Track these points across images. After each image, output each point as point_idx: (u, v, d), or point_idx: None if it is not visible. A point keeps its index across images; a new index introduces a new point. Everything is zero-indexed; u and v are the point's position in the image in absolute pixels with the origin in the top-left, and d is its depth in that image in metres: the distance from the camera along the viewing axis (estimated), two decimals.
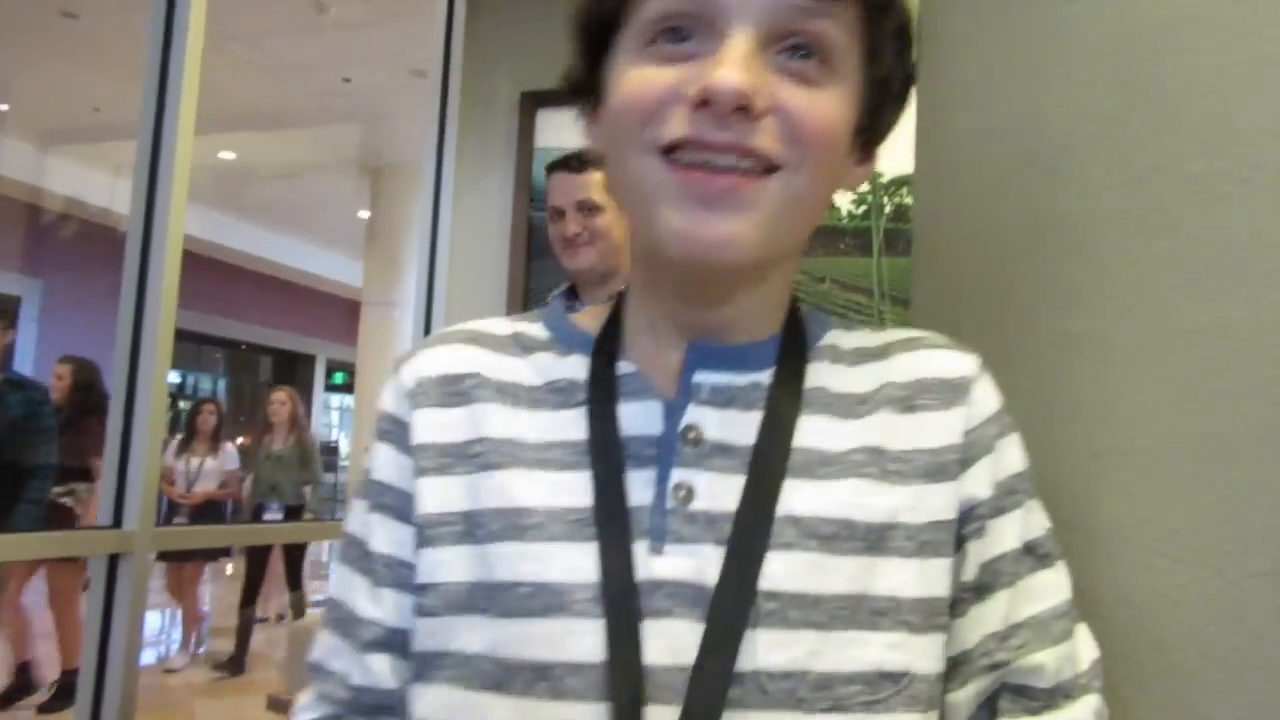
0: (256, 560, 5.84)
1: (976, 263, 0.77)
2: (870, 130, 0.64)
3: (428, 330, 3.30)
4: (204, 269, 12.27)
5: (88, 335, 10.72)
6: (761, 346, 0.67)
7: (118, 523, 2.10)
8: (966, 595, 0.62)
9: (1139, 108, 0.64)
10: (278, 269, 13.60)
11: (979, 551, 0.62)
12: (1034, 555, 0.62)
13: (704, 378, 0.64)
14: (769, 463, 0.61)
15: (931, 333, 0.68)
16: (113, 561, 2.11)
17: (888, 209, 2.96)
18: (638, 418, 0.64)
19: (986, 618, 0.61)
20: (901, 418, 0.63)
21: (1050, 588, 0.61)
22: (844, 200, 3.01)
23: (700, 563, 0.59)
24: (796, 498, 0.61)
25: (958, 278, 0.81)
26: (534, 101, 3.33)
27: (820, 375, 0.66)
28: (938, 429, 0.63)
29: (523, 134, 3.32)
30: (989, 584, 0.62)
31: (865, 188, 2.99)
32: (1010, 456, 0.63)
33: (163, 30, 2.35)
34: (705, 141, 0.57)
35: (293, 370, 15.83)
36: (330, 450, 17.05)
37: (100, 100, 8.19)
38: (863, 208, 2.98)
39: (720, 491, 0.61)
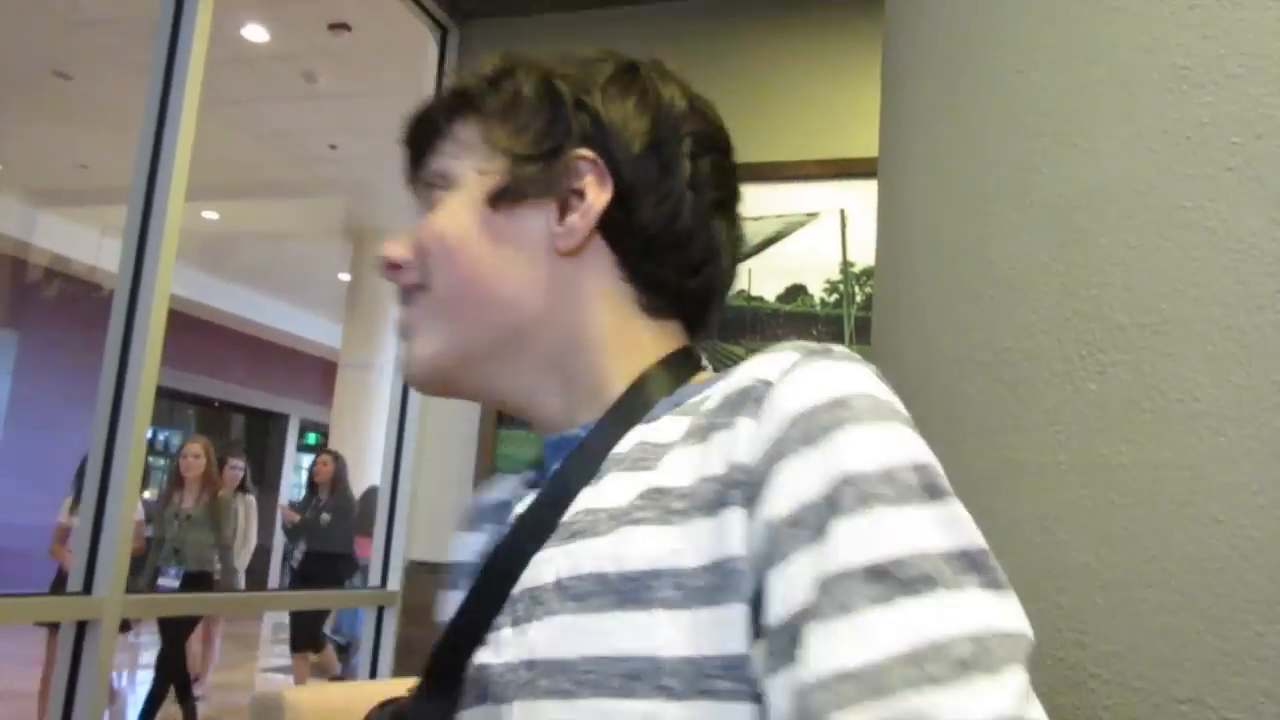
0: (169, 637, 5.11)
1: (929, 384, 0.83)
2: (523, 185, 0.66)
3: (405, 398, 3.33)
4: (180, 326, 12.24)
5: (62, 390, 10.63)
6: (589, 427, 0.65)
7: (88, 589, 2.10)
8: (779, 647, 0.49)
9: (1070, 259, 0.70)
10: (254, 327, 13.60)
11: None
12: (883, 581, 0.47)
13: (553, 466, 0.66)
14: (515, 536, 0.62)
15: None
16: (80, 629, 2.11)
17: (859, 298, 3.04)
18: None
19: (797, 672, 0.47)
20: (696, 448, 0.56)
21: (902, 626, 0.46)
22: (817, 288, 3.09)
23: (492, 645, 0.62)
24: (552, 565, 0.58)
25: (912, 397, 0.86)
26: None
27: (643, 434, 0.61)
28: (725, 449, 0.54)
29: None
30: (799, 625, 0.48)
31: (837, 276, 3.08)
32: (793, 477, 0.51)
33: (159, 95, 2.41)
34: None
35: (266, 428, 15.70)
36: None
37: (90, 159, 8.26)
38: (834, 296, 3.07)
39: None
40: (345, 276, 10.32)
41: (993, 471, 0.74)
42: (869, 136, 2.61)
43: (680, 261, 0.68)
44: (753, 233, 3.17)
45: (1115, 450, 0.67)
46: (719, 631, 0.51)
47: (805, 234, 3.14)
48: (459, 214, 0.67)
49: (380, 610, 3.13)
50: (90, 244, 9.62)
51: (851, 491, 0.49)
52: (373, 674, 3.13)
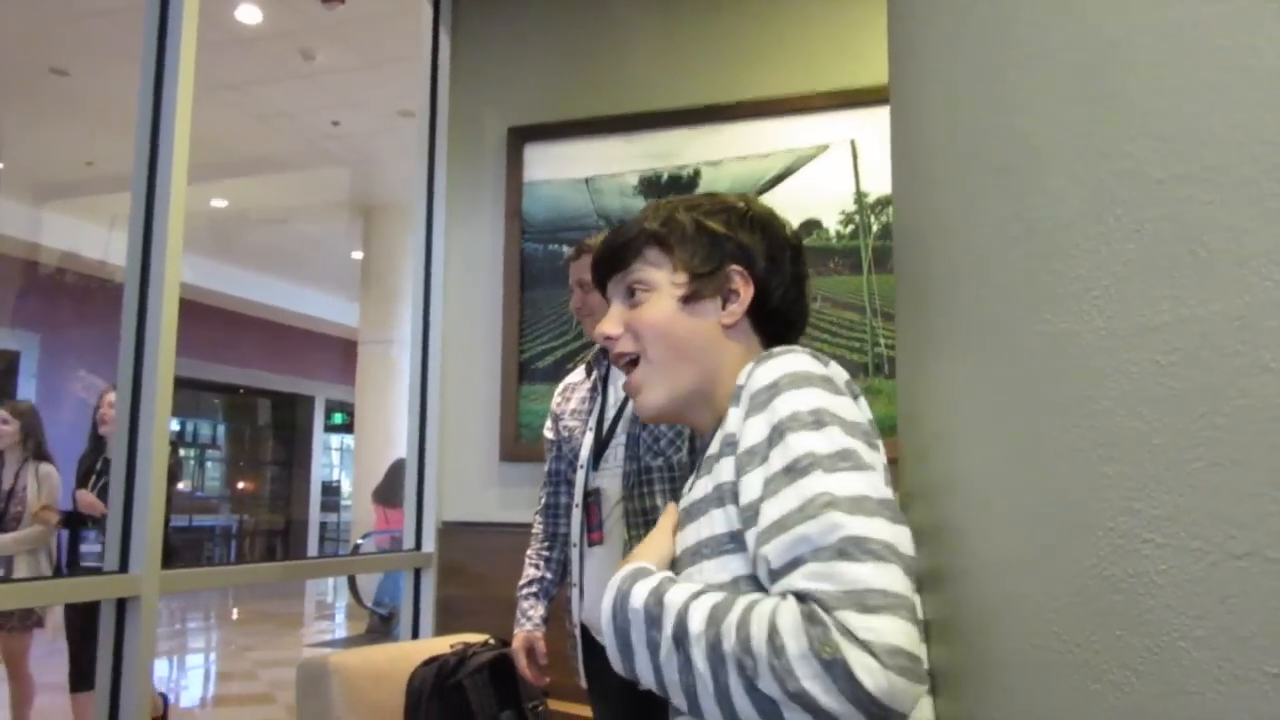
0: (74, 628, 4.44)
1: (955, 270, 0.80)
2: (702, 289, 1.11)
3: (425, 366, 3.32)
4: (200, 316, 12.31)
5: (86, 389, 10.72)
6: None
7: (124, 567, 2.11)
8: (747, 519, 0.92)
9: (1101, 116, 0.67)
10: (274, 312, 13.64)
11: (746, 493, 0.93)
12: (791, 472, 0.88)
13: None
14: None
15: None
16: (120, 606, 2.12)
17: (875, 227, 3.00)
18: None
19: (755, 529, 0.90)
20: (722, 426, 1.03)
21: (799, 491, 0.86)
22: (832, 221, 3.05)
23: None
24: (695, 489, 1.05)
25: (937, 285, 0.84)
26: (521, 136, 3.38)
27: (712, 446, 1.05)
28: (727, 426, 1.00)
29: (511, 168, 3.37)
30: (756, 506, 0.91)
31: (851, 208, 3.03)
32: (752, 431, 0.94)
33: (153, 83, 2.39)
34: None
35: (292, 411, 15.83)
36: (331, 490, 17.05)
37: (93, 155, 8.24)
38: (850, 227, 3.02)
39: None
40: (358, 254, 10.32)
41: (1030, 347, 0.71)
42: (876, 65, 2.56)
43: (792, 321, 1.18)
44: (762, 170, 3.13)
45: (1157, 310, 0.64)
46: (728, 518, 0.96)
47: (816, 167, 3.09)
48: (663, 308, 1.11)
49: (417, 573, 3.15)
50: (100, 240, 9.64)
51: (777, 433, 0.92)
52: (414, 635, 3.15)
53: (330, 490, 16.90)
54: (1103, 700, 0.61)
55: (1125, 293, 0.65)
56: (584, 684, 2.24)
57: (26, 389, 10.37)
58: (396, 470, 8.22)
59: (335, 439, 17.17)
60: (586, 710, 2.40)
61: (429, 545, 3.13)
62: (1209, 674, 0.58)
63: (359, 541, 8.30)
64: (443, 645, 2.62)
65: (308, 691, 2.43)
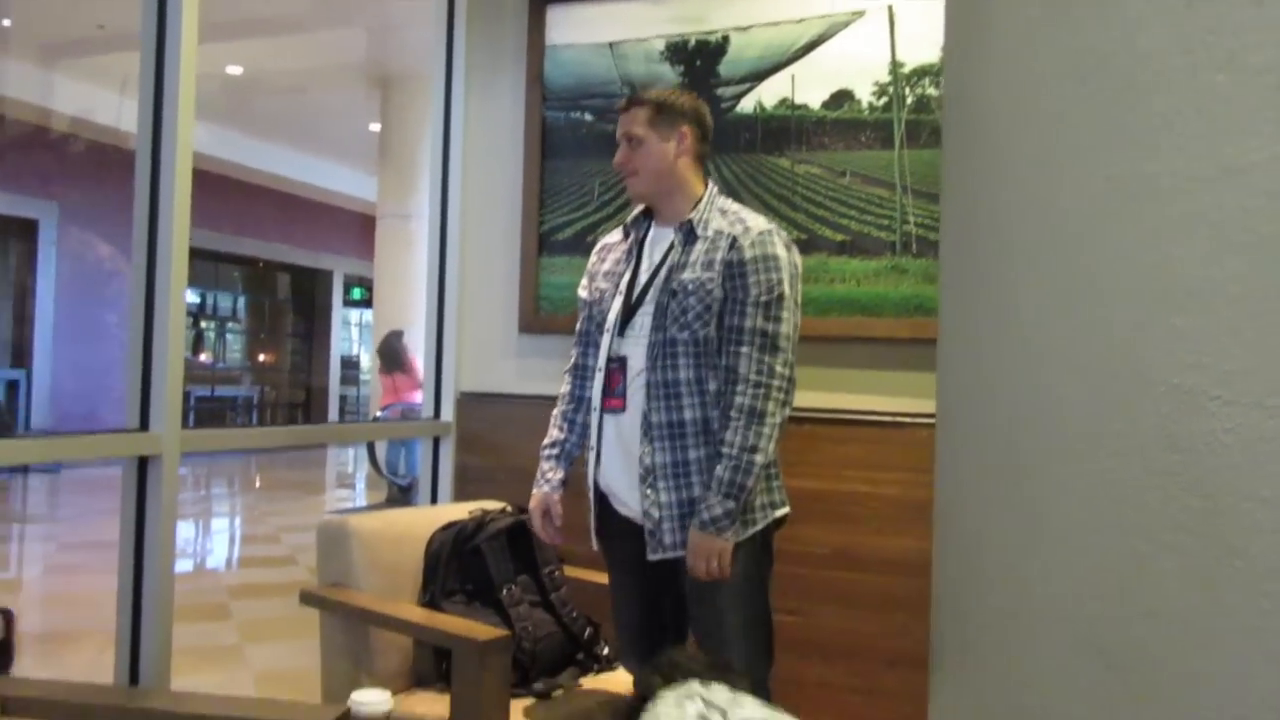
0: None
1: (1016, 109, 0.74)
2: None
3: (444, 236, 3.27)
4: (218, 188, 12.20)
5: (107, 255, 10.73)
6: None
7: (144, 425, 2.12)
8: None
9: None
10: (293, 185, 13.52)
11: None
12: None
13: None
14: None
15: None
16: (142, 466, 2.14)
17: (909, 100, 2.89)
18: None
19: None
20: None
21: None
22: (864, 92, 2.93)
23: None
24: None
25: (994, 127, 0.78)
26: None
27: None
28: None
29: (532, 32, 3.25)
30: None
31: (886, 79, 2.91)
32: None
33: None
34: None
35: (311, 286, 15.86)
36: (351, 364, 17.21)
37: (104, 18, 8.04)
38: (884, 99, 2.91)
39: None
40: (376, 127, 10.14)
41: (1095, 193, 0.65)
42: None
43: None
44: (794, 36, 3.00)
45: (1243, 149, 0.58)
46: None
47: (850, 35, 2.96)
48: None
49: (436, 441, 3.16)
50: (113, 104, 9.48)
51: None
52: (433, 502, 3.19)
53: (349, 364, 17.04)
54: (1154, 563, 0.59)
55: (1210, 131, 0.59)
56: (595, 546, 2.26)
57: (46, 258, 10.38)
58: (390, 340, 8.27)
59: (354, 314, 17.24)
60: (602, 577, 2.43)
61: (447, 415, 3.13)
62: (1274, 534, 0.55)
63: (377, 414, 8.40)
64: (461, 511, 2.65)
65: (328, 552, 2.47)
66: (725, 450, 2.00)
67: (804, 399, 2.74)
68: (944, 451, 0.83)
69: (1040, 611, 0.66)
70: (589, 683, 2.49)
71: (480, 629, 2.20)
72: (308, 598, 2.42)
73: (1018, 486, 0.72)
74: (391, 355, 8.19)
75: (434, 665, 2.45)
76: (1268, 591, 0.54)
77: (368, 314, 14.70)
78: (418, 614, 2.35)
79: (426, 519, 2.61)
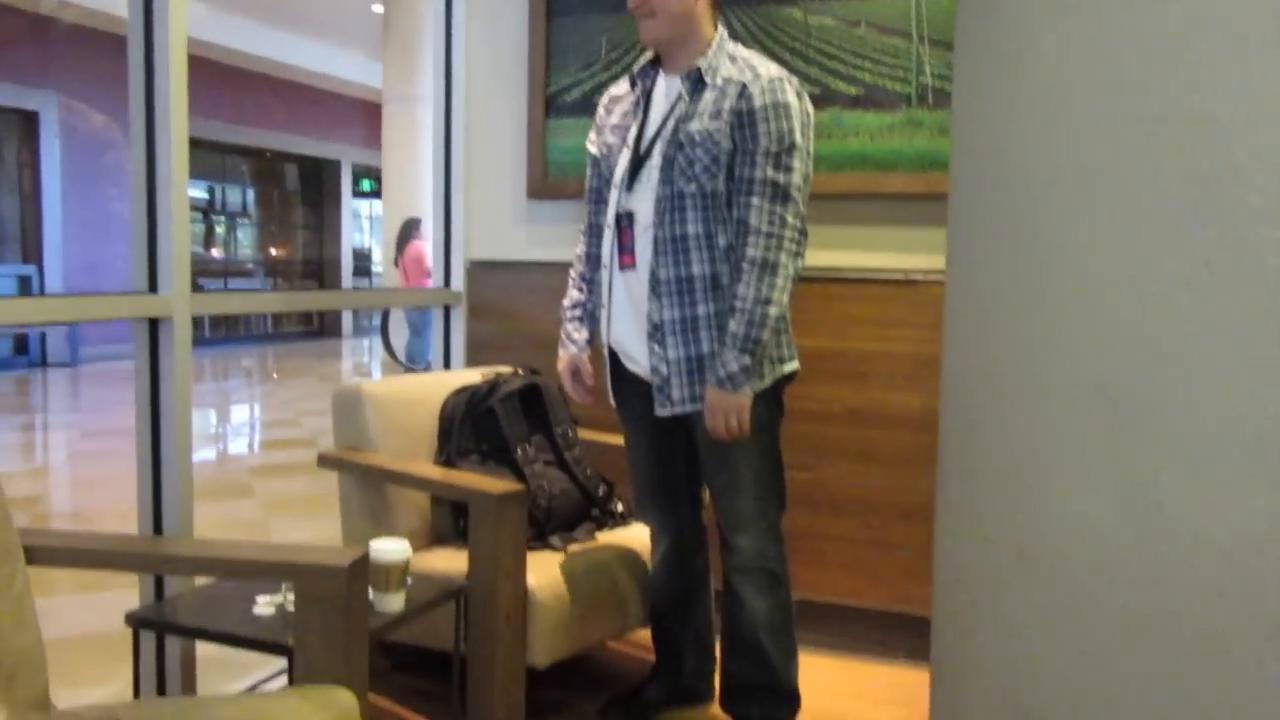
0: None
1: (1062, 41, 0.69)
2: None
3: (449, 107, 3.21)
4: (221, 76, 11.98)
5: (111, 146, 10.61)
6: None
7: (153, 287, 2.11)
8: None
9: None
10: (297, 73, 13.26)
11: None
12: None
13: None
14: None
15: None
16: (153, 329, 2.14)
17: None
18: None
19: None
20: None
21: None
22: None
23: None
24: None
25: (1036, 57, 0.72)
26: None
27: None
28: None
29: None
30: None
31: None
32: None
33: None
34: None
35: (319, 177, 15.70)
36: (362, 256, 17.17)
37: None
38: None
39: None
40: (378, 8, 9.87)
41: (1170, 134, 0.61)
42: None
43: None
44: None
45: None
46: None
47: None
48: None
49: (447, 310, 3.16)
50: None
51: None
52: (446, 369, 3.20)
53: (361, 257, 17.00)
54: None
55: None
56: (612, 402, 2.27)
57: (50, 150, 10.27)
58: (407, 228, 8.21)
59: (364, 206, 17.09)
60: (616, 438, 2.45)
61: (458, 284, 3.11)
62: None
63: None
64: (474, 376, 2.66)
65: (343, 417, 2.49)
66: (738, 304, 1.98)
67: (816, 258, 2.71)
68: (954, 304, 0.80)
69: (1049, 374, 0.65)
70: (605, 538, 2.53)
71: (496, 483, 2.23)
72: (325, 460, 2.45)
73: (1025, 340, 0.69)
74: (407, 243, 8.15)
75: (452, 523, 2.50)
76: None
77: (378, 206, 14.58)
78: (434, 471, 2.38)
79: (439, 383, 2.63)
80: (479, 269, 3.17)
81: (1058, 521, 0.62)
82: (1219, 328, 0.53)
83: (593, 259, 2.31)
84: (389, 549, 1.92)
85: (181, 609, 1.99)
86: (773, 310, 1.97)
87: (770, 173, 1.99)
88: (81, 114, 10.42)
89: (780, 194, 1.99)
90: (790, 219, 1.99)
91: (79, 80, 10.29)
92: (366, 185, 16.52)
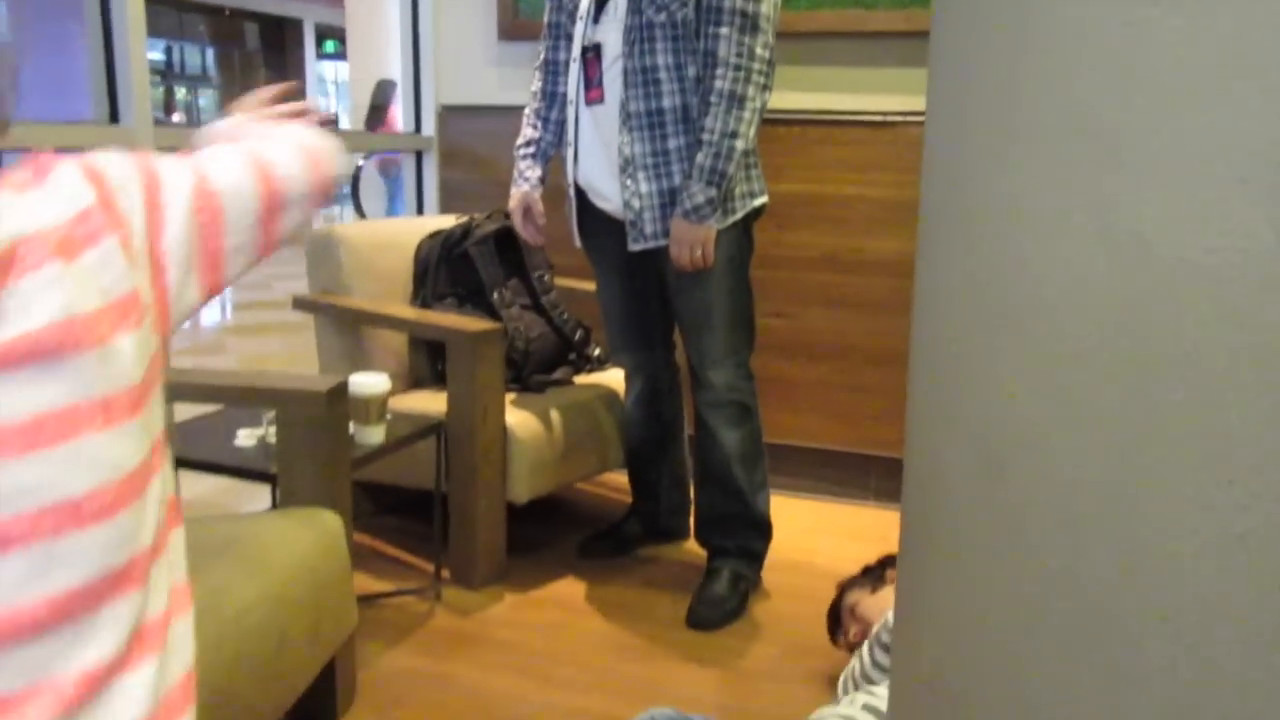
0: None
1: None
2: None
3: None
4: None
5: None
6: None
7: (114, 118, 2.05)
8: None
9: None
10: None
11: None
12: None
13: None
14: None
15: None
16: None
17: None
18: None
19: None
20: None
21: None
22: None
23: None
24: None
25: None
26: None
27: None
28: None
29: None
30: None
31: None
32: None
33: None
34: None
35: (281, 37, 15.17)
36: (328, 123, 16.72)
37: None
38: None
39: None
40: None
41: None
42: None
43: None
44: None
45: None
46: None
47: None
48: None
49: (419, 156, 3.10)
50: None
51: None
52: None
53: (327, 123, 16.56)
54: None
55: None
56: (577, 243, 2.26)
57: None
58: (383, 89, 7.97)
59: (330, 69, 16.56)
60: (591, 284, 2.45)
61: (429, 129, 3.05)
62: None
63: (359, 163, 8.23)
64: (447, 221, 2.63)
65: (317, 261, 2.47)
66: (706, 137, 1.96)
67: (791, 100, 2.67)
68: (932, 144, 0.77)
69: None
70: (582, 381, 2.56)
71: (473, 322, 2.23)
72: (300, 303, 2.44)
73: (1008, 82, 0.66)
74: (383, 106, 7.91)
75: (430, 367, 2.51)
76: None
77: (344, 70, 14.13)
78: (410, 312, 2.39)
79: (412, 228, 2.60)
80: (450, 114, 3.10)
81: (1043, 271, 0.62)
82: (1208, 51, 0.53)
83: (550, 96, 2.26)
84: (368, 381, 1.93)
85: None
86: (739, 143, 1.96)
87: (739, 2, 1.94)
88: None
89: (749, 24, 1.95)
90: (759, 50, 1.95)
91: None
92: (330, 46, 15.99)
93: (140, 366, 0.65)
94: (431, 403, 2.30)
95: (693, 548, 2.37)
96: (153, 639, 0.67)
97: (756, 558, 2.24)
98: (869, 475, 2.84)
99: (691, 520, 2.40)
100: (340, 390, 1.63)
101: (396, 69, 4.17)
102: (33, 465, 0.59)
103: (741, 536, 2.21)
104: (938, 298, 0.70)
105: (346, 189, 8.39)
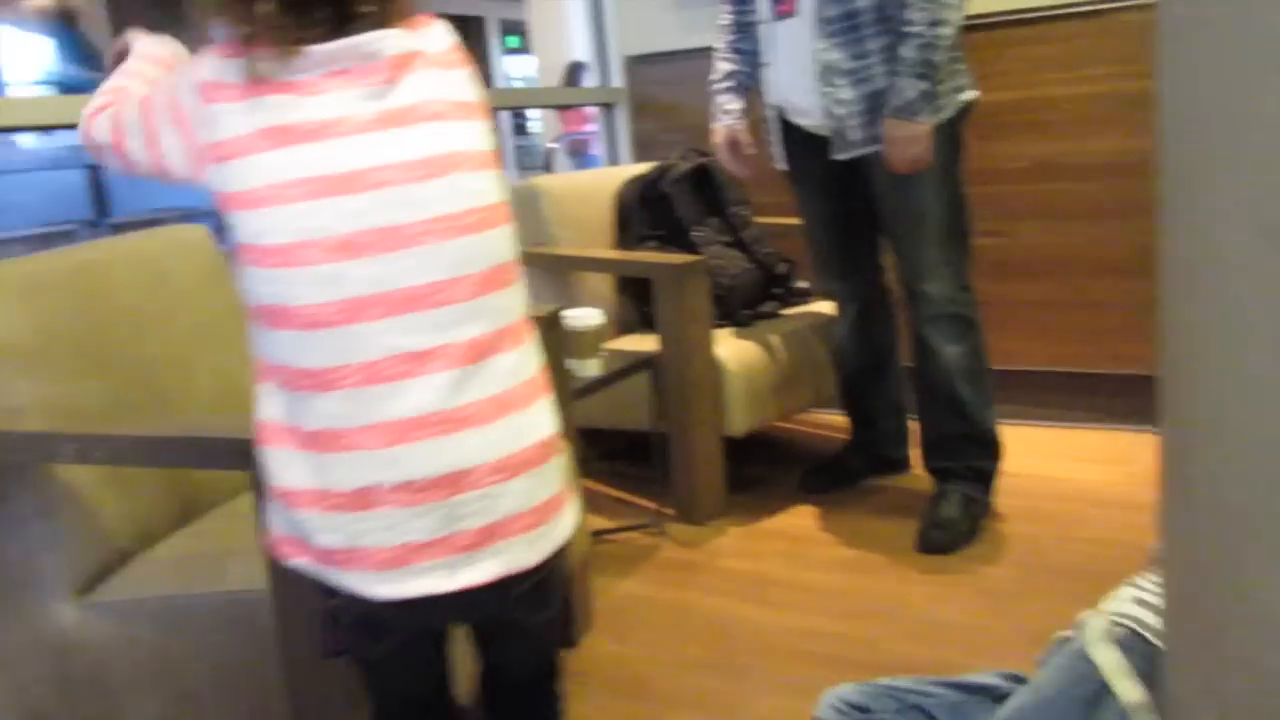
0: None
1: None
2: None
3: None
4: None
5: None
6: None
7: None
8: None
9: None
10: None
11: None
12: None
13: None
14: None
15: None
16: None
17: None
18: None
19: None
20: None
21: None
22: None
23: None
24: None
25: None
26: None
27: None
28: None
29: None
30: None
31: None
32: None
33: None
34: None
35: (465, 36, 15.66)
36: (518, 114, 17.21)
37: None
38: None
39: None
40: None
41: None
42: None
43: None
44: None
45: None
46: None
47: None
48: None
49: (609, 110, 3.14)
50: None
51: None
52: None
53: (516, 114, 17.04)
54: None
55: None
56: (781, 166, 2.22)
57: None
58: (574, 71, 8.12)
59: (515, 65, 17.04)
60: (791, 219, 2.40)
61: (616, 80, 3.08)
62: None
63: (551, 145, 8.43)
64: (643, 168, 2.65)
65: (521, 215, 2.52)
66: (908, 30, 1.87)
67: (985, 2, 2.51)
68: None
69: None
70: (789, 313, 2.52)
71: (676, 256, 2.24)
72: None
73: None
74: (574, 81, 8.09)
75: (637, 313, 2.54)
76: None
77: (528, 65, 14.50)
78: (614, 253, 2.42)
79: (611, 176, 2.63)
80: (636, 64, 3.12)
81: None
82: None
83: (740, 26, 2.23)
84: (582, 314, 1.97)
85: None
86: (945, 30, 1.86)
87: None
88: None
89: None
90: None
91: None
92: (513, 41, 16.45)
93: (486, 143, 0.94)
94: (641, 343, 2.33)
95: (917, 477, 2.29)
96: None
97: (987, 479, 2.14)
98: (1109, 396, 2.65)
99: (913, 450, 2.32)
100: (553, 319, 1.67)
101: (583, 50, 4.23)
102: (427, 187, 0.87)
103: (970, 456, 2.12)
104: (1188, 225, 0.61)
105: (541, 162, 8.62)
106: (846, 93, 1.97)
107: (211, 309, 1.62)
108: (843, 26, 1.95)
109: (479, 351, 0.88)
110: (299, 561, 0.89)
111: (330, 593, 0.89)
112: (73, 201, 9.07)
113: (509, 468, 0.88)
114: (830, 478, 2.41)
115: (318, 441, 0.86)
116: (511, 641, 1.02)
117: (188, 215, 10.81)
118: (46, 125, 1.98)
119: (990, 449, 2.12)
